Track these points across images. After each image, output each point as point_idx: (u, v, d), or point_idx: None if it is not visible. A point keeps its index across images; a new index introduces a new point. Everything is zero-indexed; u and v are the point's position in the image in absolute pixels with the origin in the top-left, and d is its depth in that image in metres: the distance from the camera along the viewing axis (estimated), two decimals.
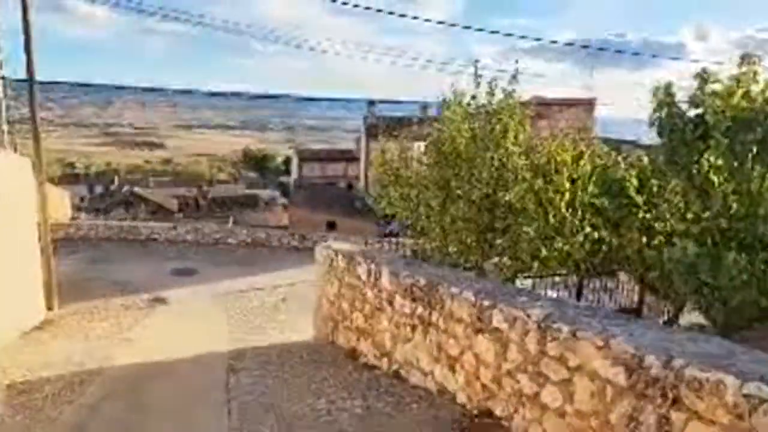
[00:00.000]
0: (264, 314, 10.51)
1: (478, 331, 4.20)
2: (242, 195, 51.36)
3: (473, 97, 7.38)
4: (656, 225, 6.40)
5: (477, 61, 7.20)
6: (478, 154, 6.73)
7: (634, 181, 6.40)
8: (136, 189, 52.09)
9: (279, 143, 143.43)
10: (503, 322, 3.93)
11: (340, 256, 7.16)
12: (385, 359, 5.74)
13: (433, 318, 4.84)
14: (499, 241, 6.32)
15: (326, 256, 7.89)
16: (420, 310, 5.05)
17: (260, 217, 40.17)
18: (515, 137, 6.86)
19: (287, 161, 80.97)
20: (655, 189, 6.46)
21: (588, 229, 5.90)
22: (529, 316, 3.68)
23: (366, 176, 45.50)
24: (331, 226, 29.15)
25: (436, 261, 7.06)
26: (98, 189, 55.38)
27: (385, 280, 5.73)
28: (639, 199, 6.17)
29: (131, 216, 37.87)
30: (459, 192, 6.81)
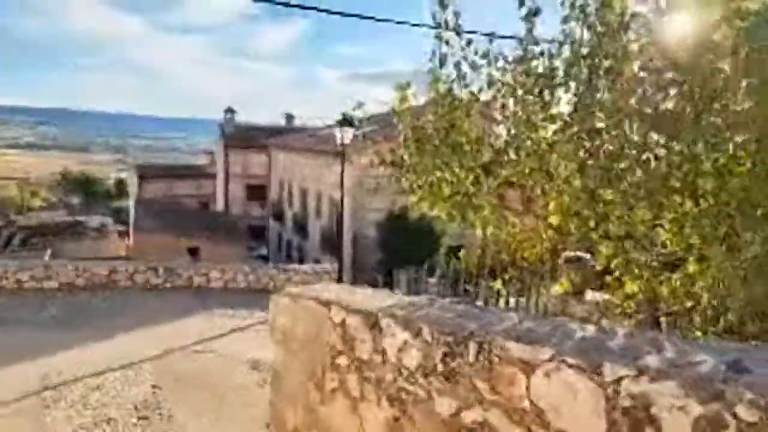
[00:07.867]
0: None
1: None
2: (62, 222, 41.02)
3: None
4: None
5: None
6: None
7: None
8: None
9: (107, 164, 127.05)
10: None
11: (426, 331, 2.40)
12: None
13: None
14: None
15: (331, 326, 3.05)
16: None
17: (90, 247, 31.66)
18: None
19: (121, 183, 70.32)
20: None
21: None
22: None
23: (226, 194, 39.10)
24: (193, 252, 22.96)
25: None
26: None
27: None
28: None
29: None
30: None
